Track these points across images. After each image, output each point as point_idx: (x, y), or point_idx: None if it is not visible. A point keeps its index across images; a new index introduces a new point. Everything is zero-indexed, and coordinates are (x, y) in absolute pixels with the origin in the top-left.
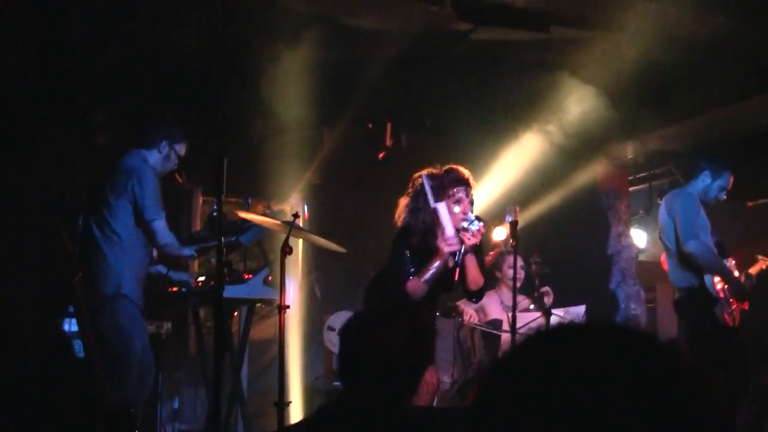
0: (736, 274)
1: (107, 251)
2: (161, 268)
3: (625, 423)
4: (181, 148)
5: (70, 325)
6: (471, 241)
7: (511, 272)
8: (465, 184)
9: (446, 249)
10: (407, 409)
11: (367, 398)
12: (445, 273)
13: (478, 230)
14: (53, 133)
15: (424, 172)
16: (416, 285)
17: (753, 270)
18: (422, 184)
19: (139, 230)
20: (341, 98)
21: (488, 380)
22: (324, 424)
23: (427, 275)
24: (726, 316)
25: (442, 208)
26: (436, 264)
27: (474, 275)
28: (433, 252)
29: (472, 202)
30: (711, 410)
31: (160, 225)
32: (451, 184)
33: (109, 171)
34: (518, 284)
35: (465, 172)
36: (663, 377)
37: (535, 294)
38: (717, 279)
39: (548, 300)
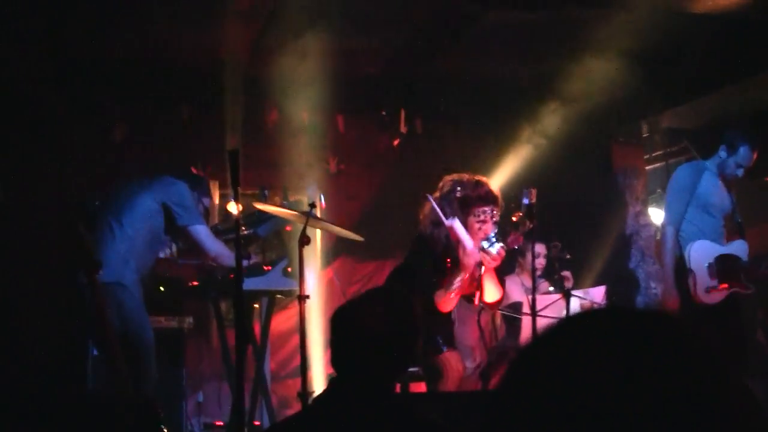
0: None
1: (115, 241)
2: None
3: (651, 410)
4: (208, 202)
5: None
6: (491, 265)
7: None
8: (493, 203)
9: (469, 263)
10: (395, 395)
11: (355, 383)
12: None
13: (498, 254)
14: (69, 129)
15: (452, 178)
16: (445, 299)
17: None
18: (431, 204)
19: (155, 234)
20: (354, 86)
21: (514, 368)
22: (318, 413)
23: (453, 288)
24: (700, 292)
25: (457, 224)
26: (461, 277)
27: (492, 292)
28: (456, 262)
29: (496, 223)
30: (734, 392)
31: (203, 230)
32: (477, 202)
33: (145, 176)
34: (539, 271)
35: (494, 189)
36: (688, 363)
37: (555, 277)
38: (694, 253)
39: (568, 284)
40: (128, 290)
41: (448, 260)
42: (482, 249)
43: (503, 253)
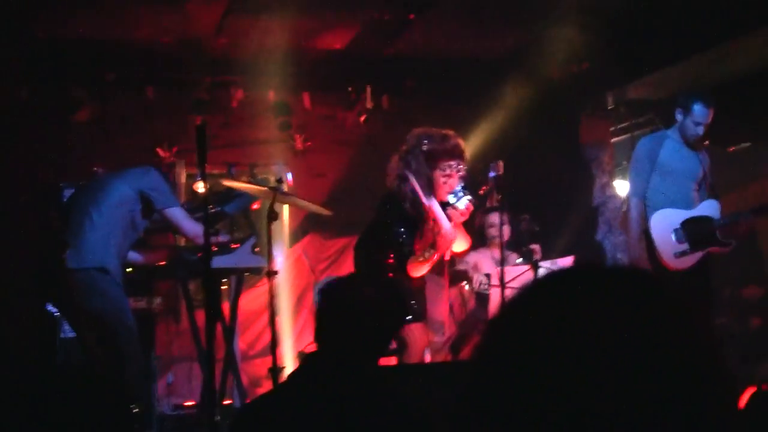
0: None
1: (95, 227)
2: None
3: (630, 362)
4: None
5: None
6: (460, 219)
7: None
8: (459, 158)
9: (445, 244)
10: (376, 368)
11: (338, 359)
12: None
13: (466, 208)
14: (32, 112)
15: (419, 131)
16: (418, 267)
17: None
18: (408, 179)
19: (128, 220)
20: (320, 63)
21: (489, 333)
22: (296, 388)
23: (425, 258)
24: (668, 259)
25: (435, 204)
26: (433, 253)
27: (460, 243)
28: (426, 231)
29: (462, 177)
30: (708, 341)
31: (179, 212)
32: (444, 156)
33: (129, 169)
34: (504, 240)
35: (461, 144)
36: (656, 312)
37: (524, 249)
38: (654, 223)
39: (537, 257)
40: (110, 274)
41: (418, 225)
42: (449, 204)
43: (471, 207)
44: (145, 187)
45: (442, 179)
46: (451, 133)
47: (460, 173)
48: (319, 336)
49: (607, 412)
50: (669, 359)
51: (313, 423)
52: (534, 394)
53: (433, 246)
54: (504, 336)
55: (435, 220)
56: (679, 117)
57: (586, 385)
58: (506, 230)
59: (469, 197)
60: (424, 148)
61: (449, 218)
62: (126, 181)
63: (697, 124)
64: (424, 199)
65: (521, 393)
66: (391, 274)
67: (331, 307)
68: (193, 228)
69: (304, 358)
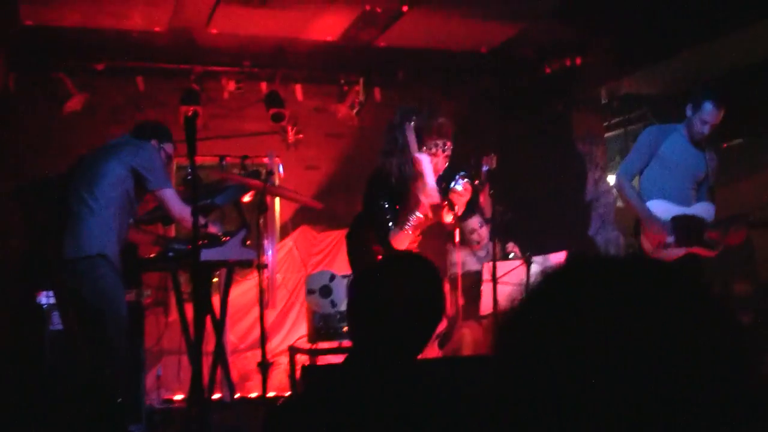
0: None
1: (93, 212)
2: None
3: (655, 350)
4: (170, 147)
5: (48, 298)
6: (462, 200)
7: (474, 235)
8: (446, 137)
9: (426, 202)
10: (417, 362)
11: (380, 353)
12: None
13: (464, 188)
14: (20, 101)
15: (407, 107)
16: (400, 237)
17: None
18: (403, 130)
19: (127, 199)
20: (312, 55)
21: (508, 327)
22: (336, 387)
23: (409, 225)
24: (649, 251)
25: (424, 158)
26: (417, 214)
27: (449, 215)
28: (412, 198)
29: (447, 157)
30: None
31: (169, 193)
32: (431, 134)
33: (112, 141)
34: (484, 240)
35: (449, 123)
36: (682, 299)
37: (506, 251)
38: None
39: (515, 253)
40: (108, 261)
41: (403, 199)
42: (450, 189)
43: (470, 187)
44: (138, 165)
45: (428, 158)
46: (439, 110)
47: (446, 153)
48: (354, 330)
49: (639, 406)
50: (697, 346)
51: (350, 425)
52: (561, 391)
53: (416, 207)
54: (525, 332)
55: (421, 176)
56: (688, 113)
57: (618, 378)
58: (485, 231)
59: (467, 179)
60: (412, 124)
61: (451, 202)
62: (119, 159)
63: (704, 122)
64: (415, 151)
65: (548, 389)
66: (380, 257)
67: (367, 302)
68: (181, 210)
69: (348, 355)
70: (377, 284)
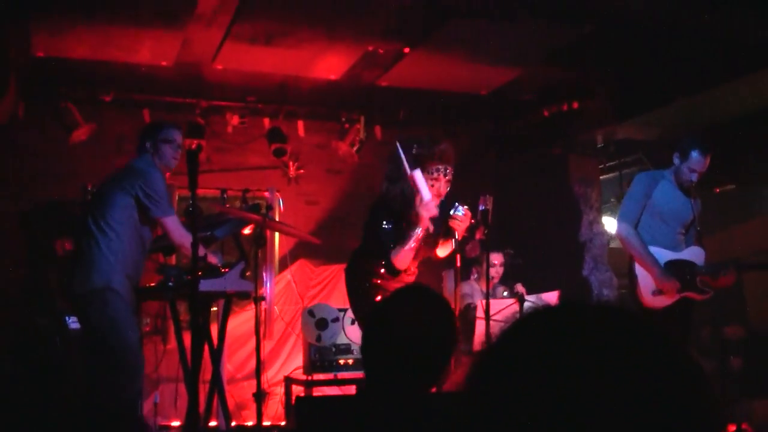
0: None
1: (100, 245)
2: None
3: (616, 398)
4: (168, 134)
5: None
6: (462, 226)
7: (492, 270)
8: (447, 162)
9: (425, 215)
10: (432, 395)
11: (394, 387)
12: (427, 238)
13: (465, 215)
14: (29, 130)
15: (408, 136)
16: (402, 255)
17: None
18: (397, 150)
19: (135, 229)
20: (315, 92)
21: (480, 364)
22: (352, 418)
23: (409, 242)
24: (646, 296)
25: (418, 174)
26: (417, 231)
27: (444, 250)
28: (412, 217)
29: (449, 182)
30: (700, 383)
31: (171, 222)
32: (432, 160)
33: (118, 171)
34: (496, 278)
35: (450, 149)
36: (657, 354)
37: (513, 290)
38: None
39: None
40: (116, 293)
41: (405, 223)
42: (450, 216)
43: (469, 213)
44: (141, 192)
45: (430, 182)
46: (440, 137)
47: (448, 177)
48: (368, 362)
49: None
50: (655, 396)
51: None
52: (520, 427)
53: (417, 222)
54: (491, 370)
55: (417, 192)
56: (676, 161)
57: (571, 421)
58: (499, 269)
59: (466, 206)
60: (413, 152)
61: (452, 229)
62: (122, 188)
63: (692, 170)
64: (408, 169)
65: (509, 425)
66: (379, 295)
67: (379, 335)
68: (181, 237)
69: (361, 387)
70: (392, 316)
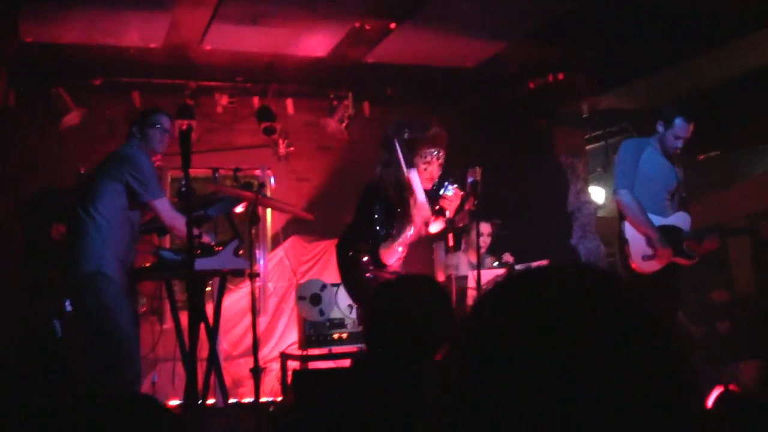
0: (683, 227)
1: (90, 231)
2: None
3: (595, 362)
4: (154, 119)
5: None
6: (452, 205)
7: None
8: (440, 146)
9: (419, 218)
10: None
11: (396, 357)
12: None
13: (454, 194)
14: (19, 116)
15: (400, 120)
16: (390, 252)
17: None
18: (394, 145)
19: (124, 215)
20: (303, 70)
21: (459, 331)
22: (347, 388)
23: (399, 241)
24: (636, 260)
25: (414, 176)
26: (407, 231)
27: (436, 225)
28: (405, 208)
29: (441, 165)
30: (671, 345)
31: (161, 204)
32: (425, 144)
33: (106, 158)
34: (483, 248)
35: (442, 132)
36: (626, 313)
37: (501, 259)
38: (629, 224)
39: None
40: (107, 278)
41: (398, 209)
42: (439, 195)
43: (459, 192)
44: (130, 178)
45: (423, 166)
46: (432, 120)
47: (440, 161)
48: (370, 337)
49: (574, 412)
50: (634, 360)
51: (364, 424)
52: (501, 393)
53: (409, 223)
54: (471, 335)
55: (412, 193)
56: (660, 129)
57: (552, 385)
58: (487, 239)
59: (456, 185)
60: (405, 136)
61: (442, 208)
62: (110, 175)
63: (677, 137)
64: (404, 169)
65: (489, 391)
66: (368, 274)
67: (384, 309)
68: (172, 219)
69: (355, 358)
70: (398, 295)
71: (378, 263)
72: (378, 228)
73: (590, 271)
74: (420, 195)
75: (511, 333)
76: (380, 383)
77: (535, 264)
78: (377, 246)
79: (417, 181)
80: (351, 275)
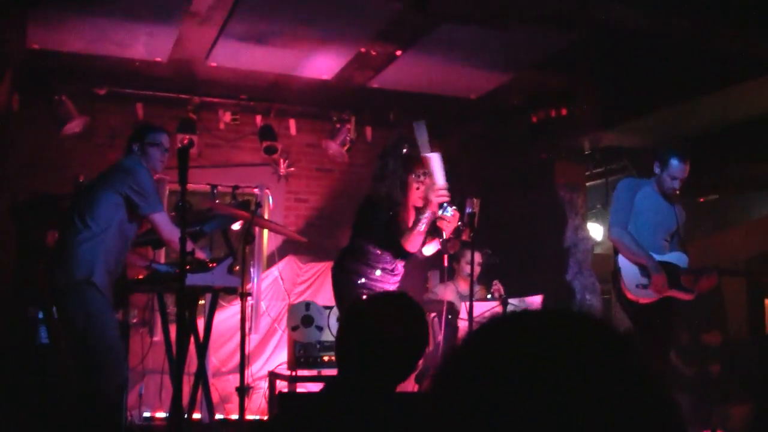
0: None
1: (84, 240)
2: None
3: (579, 408)
4: (155, 138)
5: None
6: (450, 227)
7: (468, 267)
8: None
9: (436, 200)
10: (398, 394)
11: (359, 383)
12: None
13: (453, 215)
14: (23, 122)
15: (400, 135)
16: (412, 238)
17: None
18: (419, 128)
19: (120, 228)
20: (307, 92)
21: (444, 367)
22: (317, 412)
23: (420, 226)
24: (630, 289)
25: (435, 157)
26: (427, 214)
27: (431, 249)
28: (397, 221)
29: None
30: (664, 399)
31: (160, 218)
32: (421, 164)
33: (107, 169)
34: (473, 278)
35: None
36: (617, 364)
37: (491, 290)
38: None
39: (497, 293)
40: (95, 288)
41: (393, 218)
42: (439, 218)
43: (457, 214)
44: (129, 191)
45: (415, 185)
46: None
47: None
48: (341, 357)
49: None
50: (617, 404)
51: None
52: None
53: (427, 206)
54: (458, 372)
55: (431, 175)
56: (657, 170)
57: (532, 426)
58: (476, 268)
59: (455, 207)
60: (404, 151)
61: (440, 230)
62: (110, 186)
63: (674, 178)
64: (426, 151)
65: (471, 427)
66: (365, 295)
67: (355, 332)
68: (170, 233)
69: (329, 382)
70: (367, 319)
71: (402, 254)
72: (386, 234)
73: (586, 321)
74: (439, 178)
75: (501, 380)
76: (349, 408)
77: (529, 298)
78: (392, 245)
79: (438, 162)
80: (346, 296)
